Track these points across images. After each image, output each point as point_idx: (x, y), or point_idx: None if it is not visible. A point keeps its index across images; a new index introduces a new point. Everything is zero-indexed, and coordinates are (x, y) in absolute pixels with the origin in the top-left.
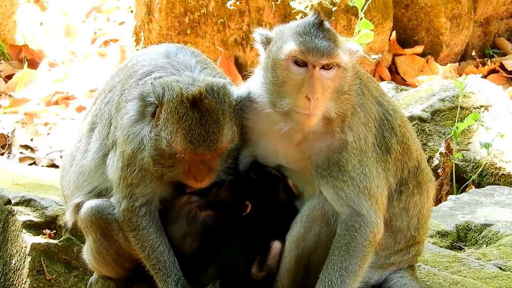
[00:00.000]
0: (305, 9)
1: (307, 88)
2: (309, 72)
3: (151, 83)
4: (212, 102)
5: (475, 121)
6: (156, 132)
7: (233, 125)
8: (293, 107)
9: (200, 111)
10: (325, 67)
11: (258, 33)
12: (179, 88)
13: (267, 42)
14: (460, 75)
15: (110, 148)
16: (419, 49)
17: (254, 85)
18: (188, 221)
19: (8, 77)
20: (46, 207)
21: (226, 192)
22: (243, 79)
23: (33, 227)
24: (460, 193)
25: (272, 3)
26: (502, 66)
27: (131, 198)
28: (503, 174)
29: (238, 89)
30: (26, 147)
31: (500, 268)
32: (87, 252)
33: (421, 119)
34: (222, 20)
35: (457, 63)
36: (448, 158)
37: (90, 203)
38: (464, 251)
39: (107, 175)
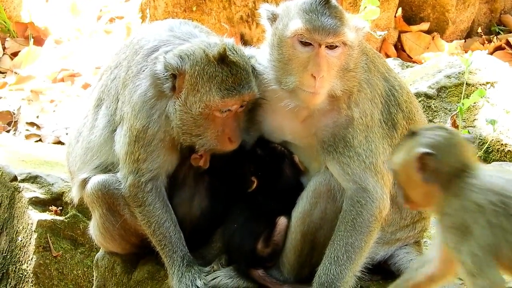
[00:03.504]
0: None
1: (312, 66)
2: (315, 50)
3: (164, 57)
4: (236, 57)
5: (481, 97)
6: (180, 102)
7: (254, 77)
8: (299, 85)
9: (228, 65)
10: (331, 45)
11: (264, 9)
12: (202, 50)
13: (273, 18)
14: (466, 52)
15: (118, 124)
16: (425, 26)
17: (260, 61)
18: (196, 181)
19: (14, 54)
20: (52, 184)
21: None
22: None
23: (39, 204)
24: None
25: None
26: (508, 43)
27: (138, 173)
28: (509, 150)
29: (246, 49)
30: (32, 124)
31: None
32: (93, 228)
33: (427, 96)
34: None
35: (463, 40)
36: None
37: (97, 178)
38: None
39: (114, 150)
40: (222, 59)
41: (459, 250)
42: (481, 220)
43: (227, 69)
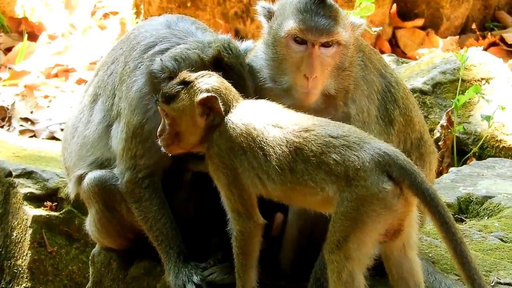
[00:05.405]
0: None
1: (305, 67)
2: (308, 50)
3: (161, 59)
4: (231, 59)
5: (476, 93)
6: None
7: (249, 77)
8: (292, 85)
9: (224, 70)
10: (325, 45)
11: (260, 7)
12: (196, 55)
13: (269, 15)
14: (461, 48)
15: (114, 119)
16: (419, 22)
17: (256, 59)
18: (192, 184)
19: (8, 50)
20: (47, 180)
21: None
22: None
23: (34, 200)
24: (461, 165)
25: None
26: (502, 39)
27: (135, 169)
28: (504, 146)
29: (242, 43)
30: (26, 119)
31: (502, 240)
32: (89, 224)
33: (422, 92)
34: None
35: (457, 37)
36: (449, 130)
37: (93, 174)
38: (466, 223)
39: (111, 145)
40: (218, 63)
41: (230, 190)
42: (244, 161)
43: (223, 76)
